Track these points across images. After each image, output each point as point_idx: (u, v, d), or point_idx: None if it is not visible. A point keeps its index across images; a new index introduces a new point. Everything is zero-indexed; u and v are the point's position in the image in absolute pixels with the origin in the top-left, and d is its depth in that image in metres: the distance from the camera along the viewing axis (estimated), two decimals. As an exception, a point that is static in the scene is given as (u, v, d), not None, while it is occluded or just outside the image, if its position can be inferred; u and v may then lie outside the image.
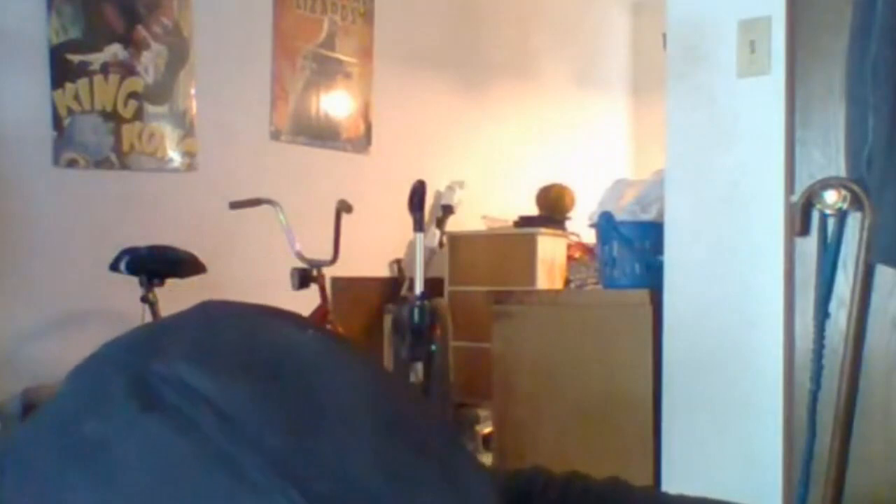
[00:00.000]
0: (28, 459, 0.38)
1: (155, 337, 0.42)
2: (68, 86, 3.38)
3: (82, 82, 3.41)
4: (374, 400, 0.41)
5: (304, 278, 3.18)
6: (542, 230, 4.08)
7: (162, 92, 3.61)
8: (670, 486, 2.19)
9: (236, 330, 0.42)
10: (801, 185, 1.92)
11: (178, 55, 3.64)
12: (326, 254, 3.28)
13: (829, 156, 1.93)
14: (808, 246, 1.91)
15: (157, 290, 3.06)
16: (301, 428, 0.36)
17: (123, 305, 3.08)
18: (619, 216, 2.37)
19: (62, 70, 3.37)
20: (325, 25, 4.17)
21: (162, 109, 3.61)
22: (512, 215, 4.39)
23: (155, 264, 3.08)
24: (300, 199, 3.64)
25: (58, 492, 0.37)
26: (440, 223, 4.42)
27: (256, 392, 0.37)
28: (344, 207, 3.32)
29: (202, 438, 0.35)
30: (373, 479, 0.36)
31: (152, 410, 0.36)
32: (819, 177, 1.87)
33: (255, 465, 0.35)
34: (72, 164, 3.39)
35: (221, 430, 0.35)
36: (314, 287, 3.21)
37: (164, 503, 0.35)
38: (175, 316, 0.44)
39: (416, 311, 3.07)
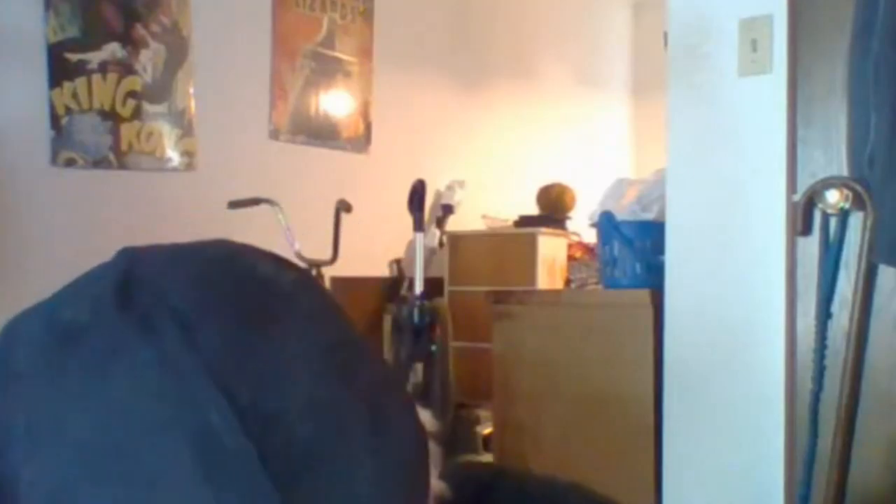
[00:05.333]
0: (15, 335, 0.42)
1: (145, 251, 0.46)
2: (66, 85, 3.36)
3: (80, 81, 3.39)
4: (327, 340, 0.43)
5: (303, 278, 3.17)
6: (543, 230, 4.07)
7: (160, 91, 3.60)
8: (671, 486, 2.18)
9: (223, 261, 0.45)
10: (803, 185, 1.92)
11: (177, 54, 3.63)
12: (326, 253, 3.27)
13: (830, 155, 1.92)
14: (810, 246, 1.90)
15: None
16: (246, 344, 0.39)
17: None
18: (620, 216, 2.37)
19: (60, 69, 3.35)
20: (325, 24, 4.15)
21: (160, 108, 3.60)
22: (512, 215, 4.37)
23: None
24: (299, 198, 3.63)
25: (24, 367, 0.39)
26: (440, 223, 4.41)
27: (220, 307, 0.40)
28: (343, 207, 3.31)
29: (161, 347, 0.38)
30: (300, 404, 0.39)
31: (126, 311, 0.39)
32: (821, 176, 1.86)
33: (196, 375, 0.37)
34: (70, 163, 3.38)
35: (179, 341, 0.38)
36: (313, 287, 3.20)
37: (118, 400, 0.37)
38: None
39: (416, 311, 3.07)
